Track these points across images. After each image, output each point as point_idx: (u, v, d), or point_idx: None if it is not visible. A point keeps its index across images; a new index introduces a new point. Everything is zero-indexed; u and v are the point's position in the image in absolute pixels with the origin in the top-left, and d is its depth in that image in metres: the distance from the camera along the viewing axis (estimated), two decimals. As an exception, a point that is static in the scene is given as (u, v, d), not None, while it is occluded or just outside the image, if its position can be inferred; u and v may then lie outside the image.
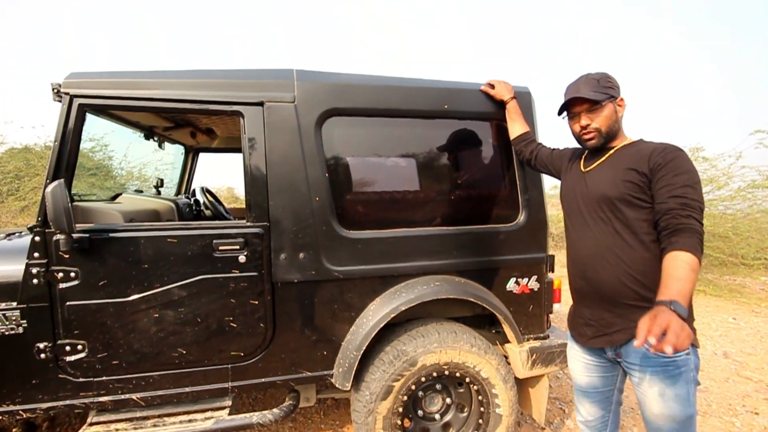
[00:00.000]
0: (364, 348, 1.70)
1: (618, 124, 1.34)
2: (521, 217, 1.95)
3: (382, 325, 1.71)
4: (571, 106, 1.36)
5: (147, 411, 1.68)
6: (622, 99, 1.35)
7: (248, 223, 1.66)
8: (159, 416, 1.68)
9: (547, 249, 2.01)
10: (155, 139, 2.47)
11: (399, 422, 1.78)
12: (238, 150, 3.00)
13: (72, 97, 1.51)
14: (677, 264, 1.07)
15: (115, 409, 1.66)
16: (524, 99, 1.94)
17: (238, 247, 1.63)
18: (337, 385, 1.75)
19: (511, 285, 1.96)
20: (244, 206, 1.87)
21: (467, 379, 1.85)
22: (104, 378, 1.59)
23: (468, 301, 1.83)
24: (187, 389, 1.66)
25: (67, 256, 1.51)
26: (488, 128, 1.94)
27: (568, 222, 1.46)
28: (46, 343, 1.53)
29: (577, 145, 1.45)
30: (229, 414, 1.70)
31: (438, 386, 1.90)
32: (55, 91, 1.53)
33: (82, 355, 1.56)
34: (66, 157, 1.52)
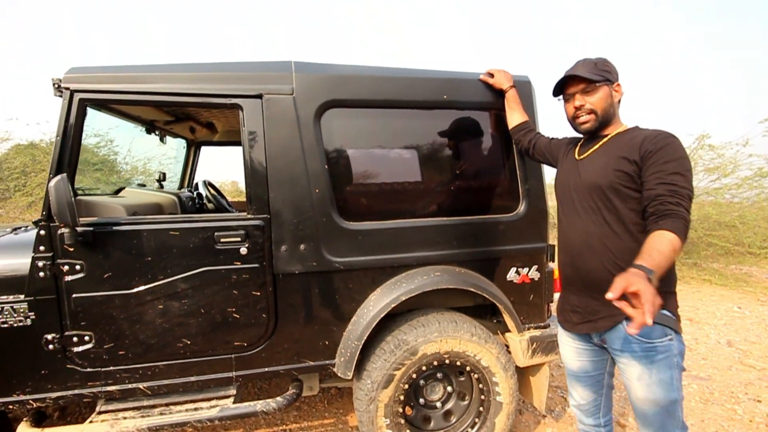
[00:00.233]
0: (365, 337, 1.72)
1: (613, 109, 1.33)
2: (521, 207, 1.95)
3: (382, 315, 1.73)
4: (566, 87, 1.36)
5: (154, 400, 1.72)
6: (618, 85, 1.34)
7: (249, 216, 1.67)
8: (166, 405, 1.72)
9: (548, 239, 2.01)
10: (156, 133, 2.49)
11: (400, 410, 1.81)
12: (239, 143, 3.02)
13: (72, 92, 1.52)
14: (662, 240, 1.07)
15: (122, 398, 1.70)
16: (524, 88, 1.93)
17: (239, 239, 1.65)
18: (339, 374, 1.77)
19: (511, 275, 1.96)
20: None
21: (468, 368, 1.87)
22: (111, 368, 1.63)
23: (469, 291, 1.84)
24: (192, 378, 1.69)
25: (71, 249, 1.54)
26: (488, 118, 1.93)
27: (560, 210, 1.47)
28: (53, 335, 1.56)
29: (575, 134, 1.45)
30: (234, 402, 1.74)
31: (439, 375, 1.93)
32: (56, 86, 1.55)
33: (89, 345, 1.59)
34: (68, 152, 1.53)
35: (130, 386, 1.65)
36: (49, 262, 1.53)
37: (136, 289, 1.59)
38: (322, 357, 1.80)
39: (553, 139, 1.67)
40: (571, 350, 1.45)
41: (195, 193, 2.86)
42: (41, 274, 1.53)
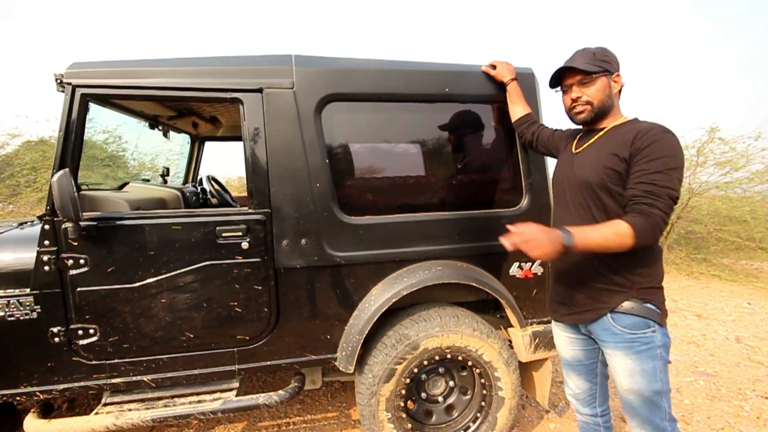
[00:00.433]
0: (366, 332, 1.72)
1: (611, 100, 1.31)
2: (524, 202, 1.93)
3: (383, 310, 1.73)
4: (563, 78, 1.34)
5: (158, 392, 1.74)
6: (618, 75, 1.31)
7: (250, 210, 1.67)
8: (170, 397, 1.75)
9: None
10: (160, 128, 2.50)
11: (402, 404, 1.81)
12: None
13: (74, 87, 1.53)
14: (609, 224, 1.15)
15: (127, 391, 1.73)
16: (528, 80, 1.90)
17: (240, 233, 1.65)
18: (340, 368, 1.78)
19: (514, 269, 1.95)
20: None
21: (469, 363, 1.86)
22: (116, 360, 1.65)
23: (471, 286, 1.83)
24: (195, 371, 1.71)
25: (75, 243, 1.55)
26: (490, 111, 1.91)
27: (555, 204, 1.47)
28: (59, 328, 1.58)
29: (577, 126, 1.43)
30: (237, 395, 1.75)
31: (441, 369, 1.93)
32: (58, 81, 1.55)
33: (94, 338, 1.61)
34: (71, 147, 1.54)
35: (134, 378, 1.67)
36: (53, 257, 1.55)
37: (139, 283, 1.61)
38: (323, 351, 1.81)
39: (556, 130, 1.65)
40: (564, 339, 1.49)
41: (199, 188, 2.88)
42: (46, 268, 1.55)
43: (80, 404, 2.41)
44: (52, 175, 1.45)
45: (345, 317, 1.80)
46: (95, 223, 1.56)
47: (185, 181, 3.15)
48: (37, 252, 1.54)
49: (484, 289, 1.82)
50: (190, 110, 2.49)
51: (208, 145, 3.31)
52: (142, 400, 1.73)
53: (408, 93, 1.78)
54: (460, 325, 1.80)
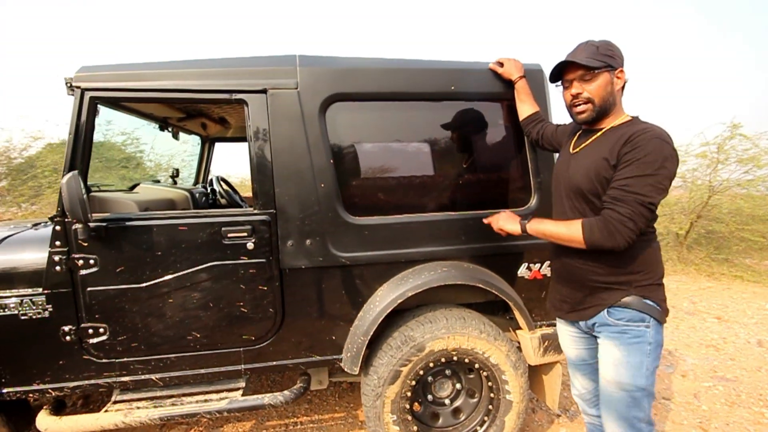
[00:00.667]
0: (371, 333, 1.71)
1: (613, 97, 1.26)
2: (533, 201, 1.89)
3: (388, 311, 1.71)
4: (564, 73, 1.29)
5: (166, 391, 1.76)
6: (622, 71, 1.26)
7: (255, 211, 1.68)
8: (177, 396, 1.77)
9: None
10: (169, 130, 2.53)
11: (407, 406, 1.80)
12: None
13: (83, 90, 1.56)
14: (565, 223, 1.27)
15: (136, 389, 1.75)
16: (536, 77, 1.86)
17: (245, 234, 1.66)
18: (345, 369, 1.77)
19: (522, 271, 1.91)
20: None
21: (476, 365, 1.83)
22: (125, 359, 1.67)
23: (479, 287, 1.80)
24: (202, 371, 1.73)
25: (85, 244, 1.58)
26: (498, 109, 1.88)
27: (554, 203, 1.46)
28: (70, 326, 1.61)
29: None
30: (243, 395, 1.76)
31: (447, 372, 1.90)
32: (68, 85, 1.58)
33: (104, 337, 1.64)
34: (80, 149, 1.57)
35: (143, 377, 1.69)
36: (64, 257, 1.58)
37: (147, 283, 1.63)
38: (329, 352, 1.81)
39: (559, 126, 1.63)
40: (568, 338, 1.48)
41: (209, 188, 2.91)
42: (57, 268, 1.58)
43: (94, 401, 2.46)
44: (63, 177, 1.48)
45: (350, 318, 1.79)
46: (104, 223, 1.59)
47: (196, 182, 3.19)
48: (49, 252, 1.58)
49: (491, 291, 1.79)
50: (198, 112, 2.51)
51: (225, 146, 3.36)
52: (151, 399, 1.75)
53: (413, 92, 1.76)
54: (466, 327, 1.78)
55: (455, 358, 1.80)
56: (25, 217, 7.65)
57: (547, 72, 1.89)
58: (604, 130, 1.28)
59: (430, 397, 1.92)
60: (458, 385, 1.93)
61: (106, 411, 1.67)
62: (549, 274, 1.92)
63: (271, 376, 2.75)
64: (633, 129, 1.19)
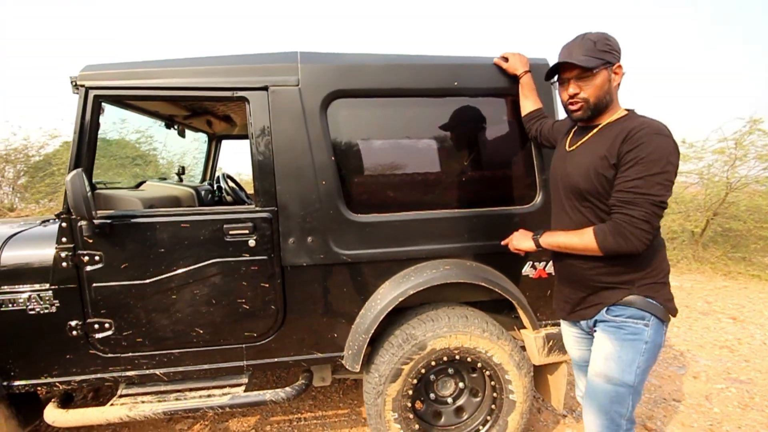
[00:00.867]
0: (372, 331, 1.71)
1: (610, 95, 1.22)
2: (538, 199, 1.86)
3: (389, 309, 1.70)
4: (561, 71, 1.26)
5: (170, 385, 1.79)
6: (619, 66, 1.22)
7: (257, 208, 1.68)
8: (181, 391, 1.79)
9: (567, 232, 1.91)
10: (175, 127, 2.55)
11: (409, 404, 1.79)
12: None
13: (87, 89, 1.57)
14: (577, 232, 1.24)
15: (141, 383, 1.78)
16: (542, 71, 1.81)
17: (247, 231, 1.67)
18: (347, 367, 1.77)
19: (527, 269, 1.88)
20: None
21: (479, 364, 1.81)
22: (130, 354, 1.70)
23: (483, 286, 1.78)
24: (205, 366, 1.74)
25: (91, 240, 1.60)
26: (502, 105, 1.84)
27: (553, 203, 1.44)
28: (76, 321, 1.64)
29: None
30: (245, 391, 1.77)
31: (450, 370, 1.89)
32: (73, 84, 1.60)
33: (109, 332, 1.66)
34: (85, 148, 1.59)
35: (147, 372, 1.71)
36: (70, 253, 1.60)
37: (150, 279, 1.64)
38: (330, 349, 1.81)
39: (556, 122, 1.60)
40: (571, 339, 1.47)
41: (216, 186, 2.93)
42: (64, 264, 1.61)
43: (104, 394, 2.51)
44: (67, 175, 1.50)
45: (352, 316, 1.79)
46: (109, 220, 1.61)
47: (203, 179, 3.22)
48: (56, 249, 1.60)
49: (494, 290, 1.76)
50: (204, 109, 2.53)
51: (238, 143, 3.38)
52: (155, 393, 1.77)
53: (415, 88, 1.74)
54: (468, 325, 1.76)
55: (457, 357, 1.78)
56: (42, 213, 7.83)
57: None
58: (600, 127, 1.25)
59: (432, 395, 1.91)
60: (461, 384, 1.91)
61: (111, 405, 1.70)
62: (554, 273, 1.89)
63: (276, 373, 2.77)
64: (631, 125, 1.15)
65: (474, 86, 1.78)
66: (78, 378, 1.68)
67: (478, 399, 1.92)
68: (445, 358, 1.78)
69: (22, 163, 9.32)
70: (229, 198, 2.71)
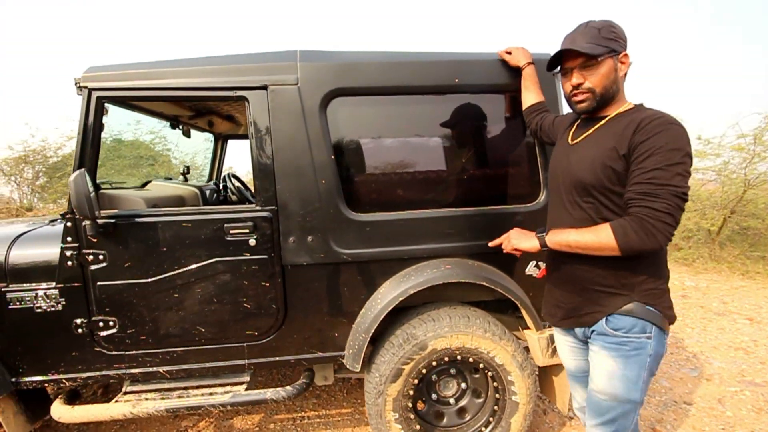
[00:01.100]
0: (372, 331, 1.70)
1: (617, 85, 1.16)
2: (542, 197, 1.82)
3: (389, 309, 1.69)
4: (563, 60, 1.19)
5: (173, 383, 1.81)
6: (626, 55, 1.16)
7: (257, 208, 1.69)
8: (184, 388, 1.81)
9: (572, 230, 1.87)
10: (180, 127, 2.58)
11: (410, 405, 1.78)
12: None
13: (90, 90, 1.60)
14: (591, 229, 1.12)
15: (145, 381, 1.80)
16: (544, 69, 1.78)
17: (247, 230, 1.67)
18: (348, 366, 1.76)
19: (530, 269, 1.85)
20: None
21: (481, 365, 1.79)
22: (134, 351, 1.72)
23: (485, 286, 1.75)
24: (207, 364, 1.76)
25: (95, 240, 1.63)
26: (504, 101, 1.81)
27: (550, 200, 1.37)
28: (82, 319, 1.67)
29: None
30: (247, 389, 1.79)
31: (452, 371, 1.87)
32: (77, 85, 1.63)
33: (114, 330, 1.69)
34: (88, 148, 1.61)
35: (151, 369, 1.74)
36: (75, 252, 1.63)
37: (153, 278, 1.66)
38: (331, 348, 1.80)
39: (557, 117, 1.54)
40: (566, 348, 1.39)
41: (222, 185, 2.96)
42: (69, 263, 1.63)
43: (113, 391, 2.55)
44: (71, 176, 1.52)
45: (352, 315, 1.78)
46: (112, 220, 1.63)
47: (209, 179, 3.25)
48: (61, 248, 1.63)
49: (496, 289, 1.74)
50: (207, 109, 2.55)
51: (247, 142, 3.38)
52: (159, 391, 1.80)
53: (415, 85, 1.72)
54: (470, 325, 1.73)
55: (459, 358, 1.76)
56: (59, 212, 8.00)
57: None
58: (608, 118, 1.18)
59: (434, 395, 1.90)
60: (463, 385, 1.89)
61: (116, 401, 1.73)
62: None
63: (281, 371, 2.78)
64: (641, 115, 1.09)
65: (475, 83, 1.75)
66: (84, 375, 1.71)
67: (481, 400, 1.90)
68: (446, 359, 1.76)
69: (41, 164, 9.56)
70: (234, 197, 2.73)
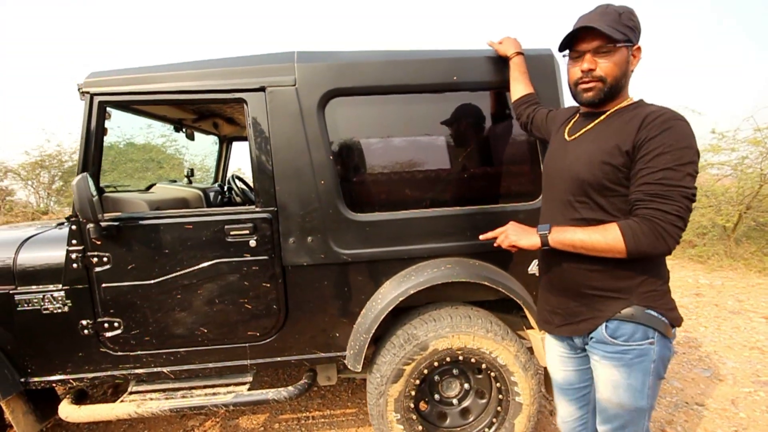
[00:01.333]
0: (373, 331, 1.69)
1: (626, 78, 1.10)
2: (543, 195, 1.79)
3: (390, 309, 1.68)
4: (577, 41, 1.08)
5: (177, 383, 1.83)
6: (639, 48, 1.10)
7: (257, 209, 1.69)
8: (188, 388, 1.83)
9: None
10: (184, 130, 2.61)
11: (412, 405, 1.77)
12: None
13: (92, 95, 1.62)
14: (598, 229, 1.06)
15: (150, 381, 1.83)
16: (547, 63, 1.76)
17: (247, 231, 1.68)
18: (349, 367, 1.76)
19: (533, 267, 1.83)
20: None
21: (484, 366, 1.77)
22: (138, 352, 1.74)
23: (487, 285, 1.73)
24: (210, 365, 1.77)
25: (99, 242, 1.65)
26: (504, 98, 1.78)
27: (543, 199, 1.32)
28: (88, 321, 1.70)
29: (574, 103, 1.23)
30: (249, 389, 1.80)
31: (455, 371, 1.85)
32: (80, 91, 1.65)
33: (119, 331, 1.71)
34: (91, 152, 1.64)
35: (155, 370, 1.76)
36: (80, 255, 1.66)
37: (156, 280, 1.68)
38: (333, 349, 1.80)
39: (550, 111, 1.47)
40: (557, 357, 1.31)
41: (226, 187, 2.98)
42: (74, 265, 1.66)
43: (122, 391, 2.59)
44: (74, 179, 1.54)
45: (353, 315, 1.78)
46: (116, 223, 1.65)
47: (215, 180, 3.28)
48: (67, 251, 1.66)
49: (497, 289, 1.72)
50: (210, 112, 2.58)
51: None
52: (163, 390, 1.82)
53: (413, 84, 1.71)
54: (472, 326, 1.72)
55: (461, 358, 1.75)
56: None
57: (558, 57, 1.79)
58: (608, 113, 1.13)
59: (437, 396, 1.88)
60: (466, 385, 1.87)
61: (121, 401, 1.76)
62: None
63: (287, 372, 2.80)
64: (645, 111, 1.05)
65: (474, 80, 1.73)
66: (90, 375, 1.74)
67: (484, 401, 1.88)
68: (448, 359, 1.75)
69: (56, 168, 9.79)
70: (238, 199, 2.75)
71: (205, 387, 1.82)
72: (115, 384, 2.60)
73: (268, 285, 1.72)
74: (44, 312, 1.69)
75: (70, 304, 1.69)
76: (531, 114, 1.54)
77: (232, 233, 1.68)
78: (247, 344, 1.77)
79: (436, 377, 1.85)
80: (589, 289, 1.13)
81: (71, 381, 1.74)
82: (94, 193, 1.54)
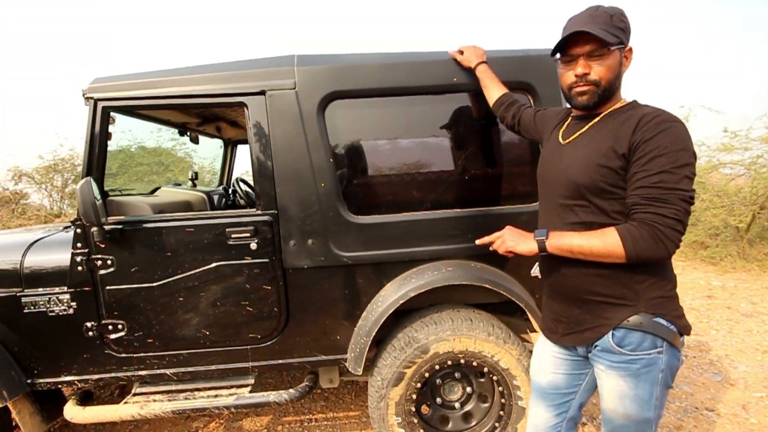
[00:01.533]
0: (374, 334, 1.69)
1: (619, 81, 1.09)
2: (547, 196, 1.78)
3: (390, 312, 1.68)
4: (570, 45, 1.07)
5: (180, 385, 1.84)
6: (630, 50, 1.09)
7: (258, 212, 1.70)
8: (191, 390, 1.84)
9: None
10: (188, 134, 2.64)
11: (413, 409, 1.76)
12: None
13: (96, 100, 1.65)
14: (596, 234, 1.04)
15: (153, 383, 1.84)
16: (547, 63, 1.74)
17: (248, 234, 1.69)
18: (350, 370, 1.76)
19: (535, 270, 1.81)
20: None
21: (486, 369, 1.75)
22: (142, 354, 1.76)
23: (488, 288, 1.72)
24: (212, 367, 1.78)
25: (103, 245, 1.68)
26: (505, 100, 1.77)
27: (540, 204, 1.29)
28: (92, 323, 1.72)
29: (565, 104, 1.23)
30: (251, 392, 1.80)
31: (457, 375, 1.84)
32: (84, 96, 1.68)
33: (123, 333, 1.73)
34: (95, 157, 1.66)
35: (158, 371, 1.77)
36: (85, 258, 1.68)
37: (158, 282, 1.70)
38: (334, 351, 1.80)
39: (538, 111, 1.44)
40: (548, 358, 1.26)
41: (231, 189, 3.01)
42: (79, 268, 1.69)
43: (128, 392, 2.62)
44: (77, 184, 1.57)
45: (354, 318, 1.78)
46: (119, 226, 1.67)
47: (220, 183, 3.31)
48: (72, 254, 1.69)
49: (497, 291, 1.70)
50: (213, 116, 2.60)
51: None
52: (166, 392, 1.83)
53: (413, 86, 1.71)
54: (473, 328, 1.70)
55: (463, 361, 1.73)
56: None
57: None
58: (602, 115, 1.11)
59: (439, 400, 1.87)
60: (468, 389, 1.86)
61: (125, 403, 1.77)
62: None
63: (290, 374, 2.80)
64: (639, 113, 1.03)
65: (474, 82, 1.71)
66: (95, 377, 1.76)
67: (487, 405, 1.86)
68: (449, 362, 1.73)
69: (69, 171, 9.97)
70: (242, 202, 2.77)
71: (207, 389, 1.83)
72: (121, 385, 2.63)
73: (269, 287, 1.72)
74: (50, 314, 1.71)
75: (75, 307, 1.72)
76: (516, 114, 1.51)
77: (233, 236, 1.69)
78: (248, 346, 1.78)
79: (438, 381, 1.84)
80: (593, 295, 1.09)
81: (76, 382, 1.76)
82: (98, 196, 1.57)
